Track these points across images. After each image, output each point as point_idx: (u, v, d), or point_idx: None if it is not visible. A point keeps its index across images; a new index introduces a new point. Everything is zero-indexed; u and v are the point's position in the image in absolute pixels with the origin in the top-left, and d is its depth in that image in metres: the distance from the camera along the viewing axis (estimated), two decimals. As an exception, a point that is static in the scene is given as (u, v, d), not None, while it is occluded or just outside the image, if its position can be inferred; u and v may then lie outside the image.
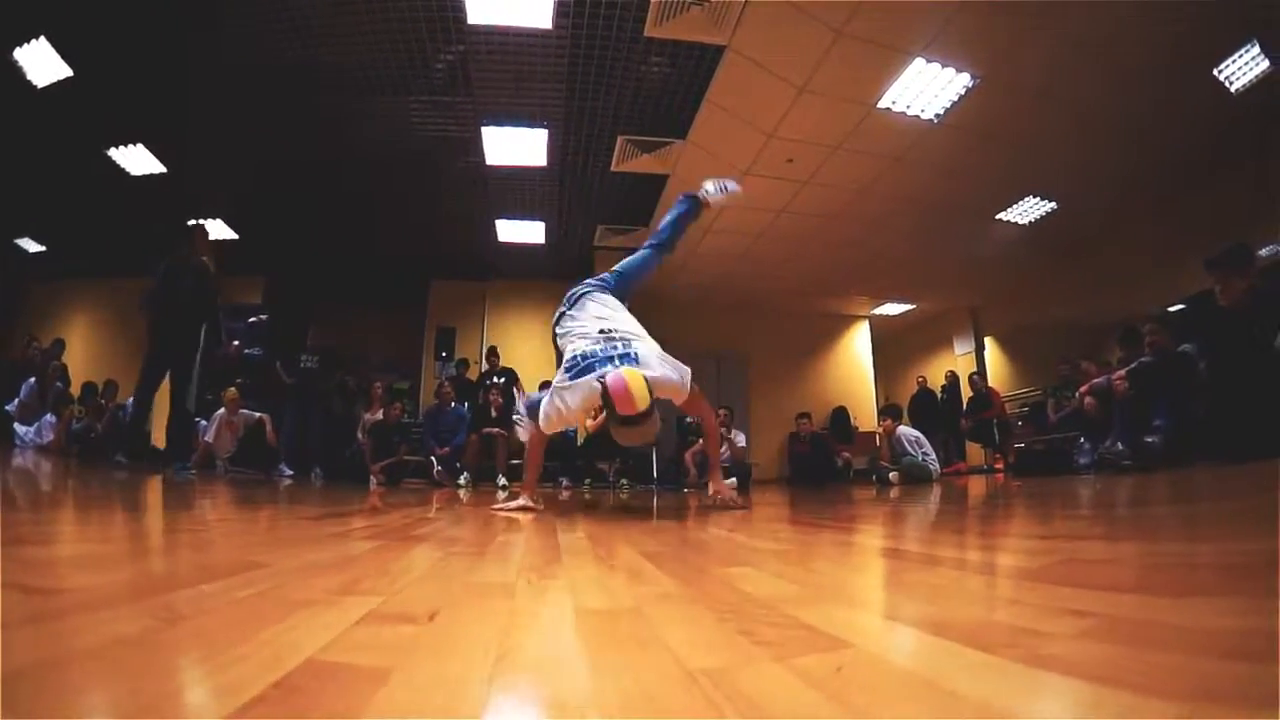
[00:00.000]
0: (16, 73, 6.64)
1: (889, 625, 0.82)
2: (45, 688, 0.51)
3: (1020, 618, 0.79)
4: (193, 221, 7.59)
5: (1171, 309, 8.76)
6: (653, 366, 3.12)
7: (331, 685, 0.54)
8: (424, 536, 1.86)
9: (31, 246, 11.18)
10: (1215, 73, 6.34)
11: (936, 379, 12.95)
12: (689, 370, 3.28)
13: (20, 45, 6.37)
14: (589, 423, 8.43)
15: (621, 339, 3.26)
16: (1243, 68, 6.29)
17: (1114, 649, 0.64)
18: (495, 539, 1.92)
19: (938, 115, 6.85)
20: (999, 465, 10.16)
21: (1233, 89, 6.50)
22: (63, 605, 0.77)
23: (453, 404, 8.65)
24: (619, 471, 8.58)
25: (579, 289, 3.69)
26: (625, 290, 3.80)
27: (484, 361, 10.14)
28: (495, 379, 9.16)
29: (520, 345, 10.71)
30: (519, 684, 0.58)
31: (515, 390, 9.35)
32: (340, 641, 0.67)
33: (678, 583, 1.13)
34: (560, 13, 5.76)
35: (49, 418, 8.26)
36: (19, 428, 8.13)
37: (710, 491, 3.81)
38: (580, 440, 8.49)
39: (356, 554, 1.41)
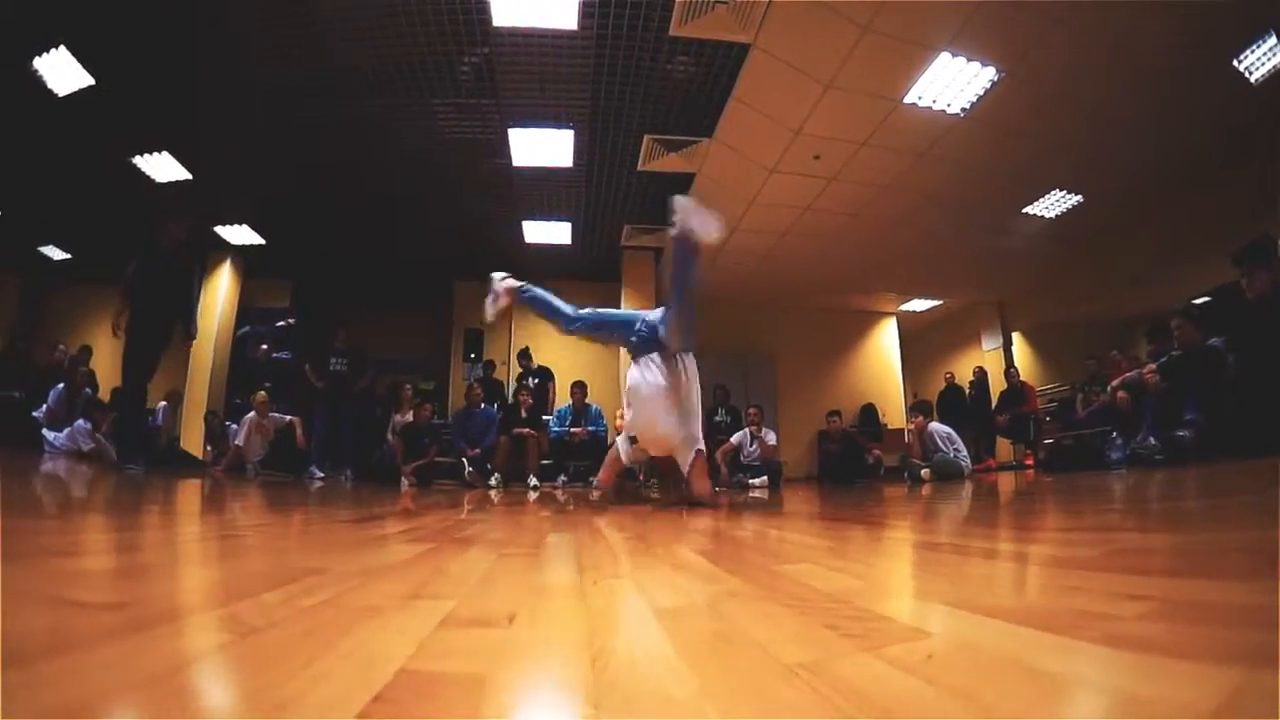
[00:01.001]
0: (37, 81, 6.72)
1: (962, 615, 0.81)
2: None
3: (1085, 603, 0.82)
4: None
5: (1196, 301, 8.65)
6: None
7: (432, 695, 0.52)
8: (472, 539, 1.86)
9: (56, 254, 11.42)
10: (1235, 63, 6.25)
11: (964, 375, 12.80)
12: None
13: (40, 54, 6.44)
14: (619, 422, 8.43)
15: None
16: (1262, 58, 6.20)
17: (1177, 627, 0.68)
18: (544, 540, 1.92)
19: (964, 109, 6.79)
20: (1029, 462, 10.06)
21: (1253, 79, 6.41)
22: (123, 621, 0.72)
23: (482, 405, 8.68)
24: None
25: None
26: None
27: (515, 363, 10.17)
28: (530, 379, 9.18)
29: (549, 345, 10.69)
30: (624, 684, 0.56)
31: (550, 389, 9.34)
32: (426, 649, 0.65)
33: (742, 580, 1.12)
34: (585, 13, 5.77)
35: (81, 423, 8.35)
36: (48, 433, 8.23)
37: None
38: (610, 441, 8.46)
39: (410, 557, 1.40)
